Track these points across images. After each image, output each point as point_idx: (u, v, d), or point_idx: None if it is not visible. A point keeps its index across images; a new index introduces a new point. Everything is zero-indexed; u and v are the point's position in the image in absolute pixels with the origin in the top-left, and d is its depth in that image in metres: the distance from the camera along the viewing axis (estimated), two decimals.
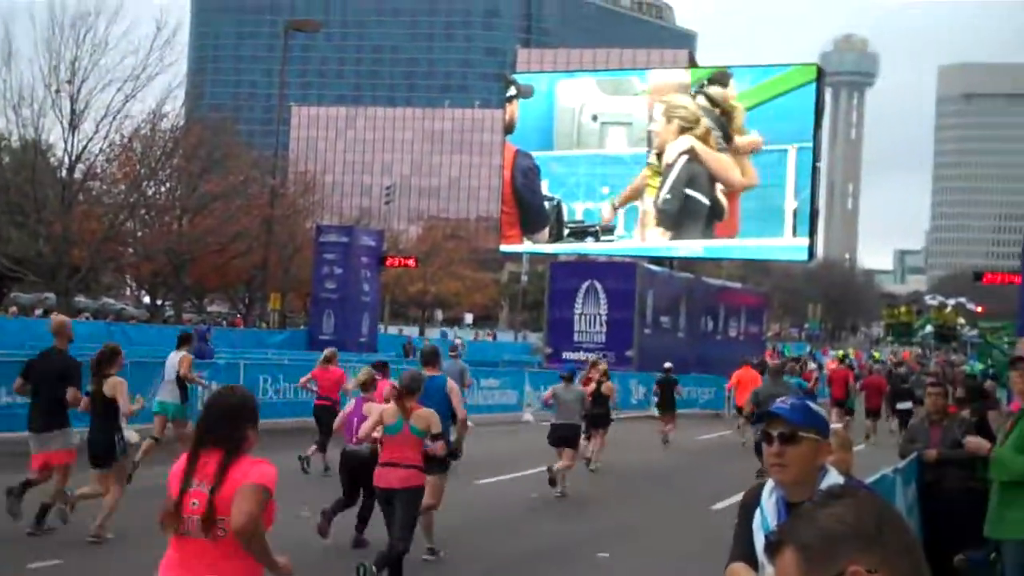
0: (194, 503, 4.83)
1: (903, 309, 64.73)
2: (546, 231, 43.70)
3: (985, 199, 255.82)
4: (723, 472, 19.26)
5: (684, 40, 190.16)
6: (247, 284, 58.80)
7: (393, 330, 72.71)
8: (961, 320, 67.75)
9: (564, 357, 38.50)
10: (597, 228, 43.19)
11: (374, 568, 9.16)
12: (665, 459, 21.18)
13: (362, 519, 11.29)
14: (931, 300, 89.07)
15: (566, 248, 44.95)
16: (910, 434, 10.57)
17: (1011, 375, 7.64)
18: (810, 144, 40.36)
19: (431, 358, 11.73)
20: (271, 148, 52.24)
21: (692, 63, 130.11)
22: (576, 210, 43.57)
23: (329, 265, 37.87)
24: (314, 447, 16.46)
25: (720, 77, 41.92)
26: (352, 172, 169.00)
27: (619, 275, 40.42)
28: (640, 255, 42.46)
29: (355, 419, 11.23)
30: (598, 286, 39.43)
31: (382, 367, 14.25)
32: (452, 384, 11.57)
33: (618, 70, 49.08)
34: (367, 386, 12.01)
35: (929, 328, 67.49)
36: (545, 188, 43.79)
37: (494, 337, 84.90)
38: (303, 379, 17.81)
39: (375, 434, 9.53)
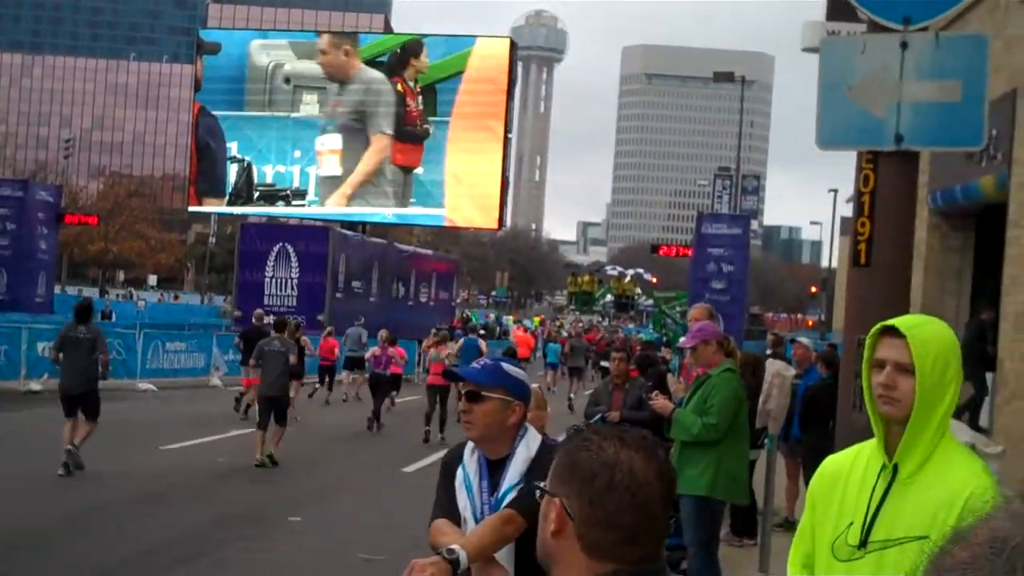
0: None
1: (585, 278, 67.22)
2: (228, 192, 42.83)
3: (662, 175, 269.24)
4: (413, 436, 19.50)
5: (379, 5, 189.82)
6: None
7: (72, 291, 69.31)
8: (638, 290, 71.15)
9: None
10: (288, 192, 42.68)
11: None
12: (356, 423, 21.21)
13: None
14: (611, 271, 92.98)
15: (256, 210, 44.19)
16: (594, 397, 11.07)
17: (699, 349, 8.10)
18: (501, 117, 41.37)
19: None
20: None
21: (388, 29, 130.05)
22: (267, 173, 42.87)
23: (2, 220, 35.61)
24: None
25: (413, 46, 42.21)
26: (27, 123, 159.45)
27: (312, 238, 40.04)
28: (332, 219, 42.26)
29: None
30: (290, 249, 38.91)
31: None
32: None
33: (313, 32, 48.61)
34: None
35: (609, 297, 70.52)
36: (235, 149, 42.84)
37: (176, 298, 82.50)
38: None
39: None
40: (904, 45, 5.28)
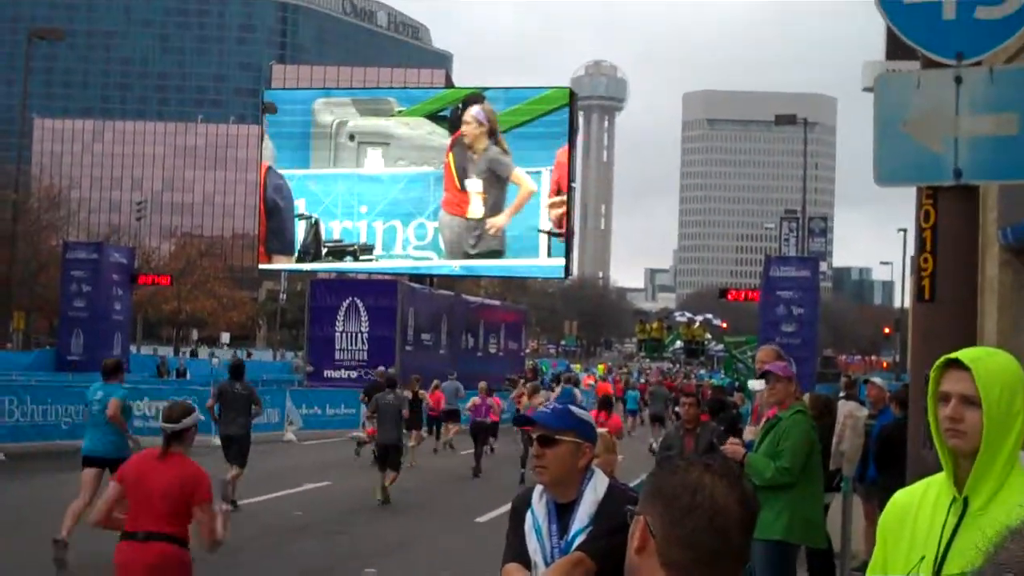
0: None
1: (654, 325, 66.94)
2: (296, 250, 43.37)
3: (727, 220, 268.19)
4: (484, 486, 19.52)
5: (440, 60, 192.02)
6: None
7: (147, 350, 70.38)
8: (708, 335, 70.71)
9: (326, 375, 38.21)
10: (355, 247, 43.12)
11: None
12: (425, 475, 21.30)
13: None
14: (680, 316, 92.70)
15: (325, 266, 44.68)
16: (666, 441, 11.05)
17: (763, 387, 8.08)
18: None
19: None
20: (11, 163, 49.90)
21: (449, 83, 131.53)
22: (334, 229, 43.37)
23: (77, 283, 36.38)
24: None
25: (475, 98, 42.64)
26: (100, 188, 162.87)
27: (380, 292, 40.46)
28: (399, 273, 42.63)
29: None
30: (359, 303, 39.31)
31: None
32: None
33: (375, 89, 49.06)
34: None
35: (679, 343, 70.17)
36: (303, 207, 43.40)
37: (249, 355, 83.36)
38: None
39: None
40: (958, 80, 5.31)
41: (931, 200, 5.45)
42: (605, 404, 20.44)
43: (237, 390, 16.23)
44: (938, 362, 3.04)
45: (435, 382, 29.08)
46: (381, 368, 27.61)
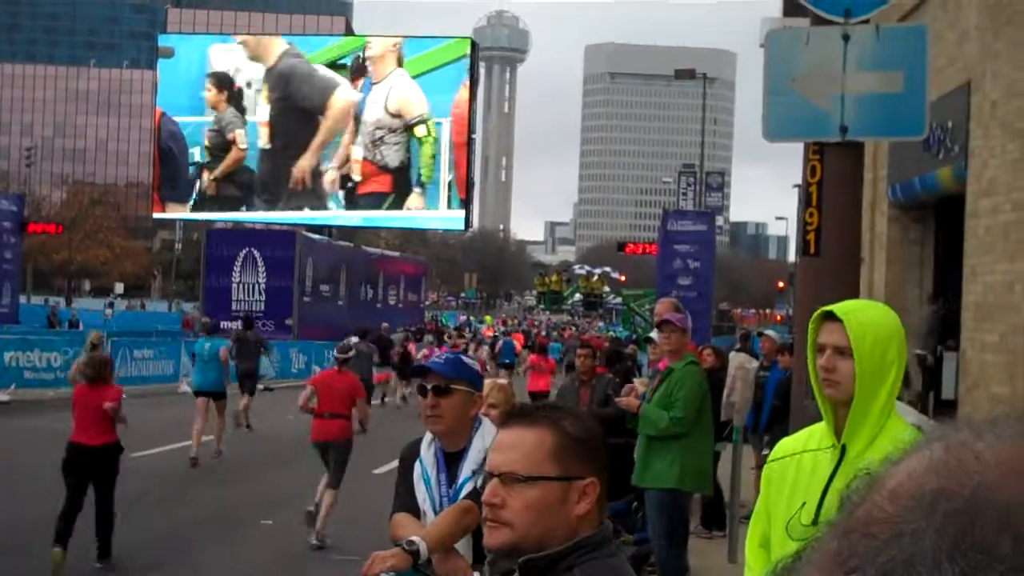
0: None
1: (554, 278, 67.35)
2: (192, 198, 42.73)
3: (627, 173, 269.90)
4: (383, 438, 19.52)
5: (340, 7, 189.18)
6: None
7: (37, 300, 68.81)
8: (606, 288, 71.33)
9: (222, 326, 37.75)
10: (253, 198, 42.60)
11: None
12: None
13: None
14: (579, 269, 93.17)
15: (221, 216, 44.07)
16: (561, 393, 11.16)
17: (658, 336, 8.19)
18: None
19: None
20: None
21: (349, 31, 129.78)
22: None
23: None
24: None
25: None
26: None
27: (278, 243, 40.00)
28: (297, 223, 42.23)
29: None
30: (256, 254, 38.84)
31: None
32: None
33: (274, 36, 48.00)
34: None
35: (578, 296, 70.72)
36: (198, 155, 42.71)
37: (143, 306, 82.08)
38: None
39: None
40: (846, 37, 5.39)
41: (817, 156, 5.55)
42: (543, 349, 24.95)
43: (249, 337, 20.95)
44: (815, 315, 3.13)
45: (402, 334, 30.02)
46: (385, 324, 28.84)
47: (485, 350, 31.44)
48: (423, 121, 40.87)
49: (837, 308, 3.06)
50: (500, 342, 35.70)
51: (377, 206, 41.91)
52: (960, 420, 0.68)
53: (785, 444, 3.31)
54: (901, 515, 0.63)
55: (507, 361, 34.13)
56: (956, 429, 0.67)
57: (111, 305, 66.09)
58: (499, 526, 2.31)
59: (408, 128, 41.11)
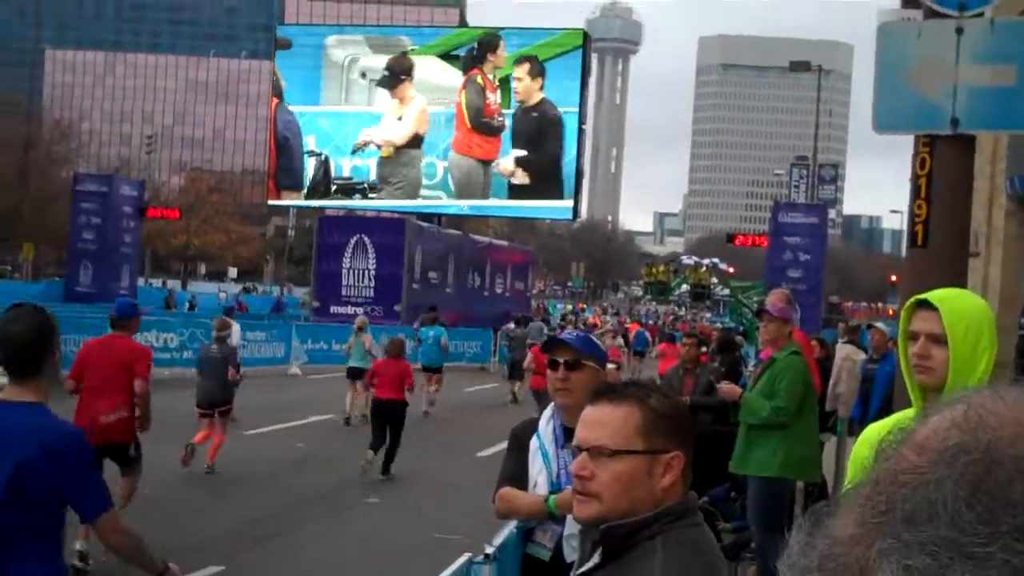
0: None
1: (661, 268, 67.09)
2: (305, 186, 43.45)
3: (738, 165, 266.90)
4: (488, 423, 19.74)
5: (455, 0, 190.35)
6: None
7: (156, 283, 70.69)
8: (714, 280, 70.80)
9: (332, 311, 38.43)
10: (365, 184, 43.15)
11: None
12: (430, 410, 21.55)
13: None
14: (687, 260, 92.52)
15: (333, 203, 44.75)
16: (666, 382, 11.19)
17: (760, 326, 8.21)
18: (576, 108, 41.44)
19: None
20: (24, 94, 49.83)
21: (462, 23, 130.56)
22: (343, 166, 43.39)
23: (87, 215, 36.55)
24: None
25: (491, 39, 42.44)
26: (111, 121, 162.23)
27: (388, 230, 40.51)
28: (407, 211, 42.71)
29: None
30: (367, 241, 39.38)
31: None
32: None
33: (388, 27, 48.04)
34: None
35: (685, 287, 70.30)
36: (312, 143, 43.40)
37: (247, 290, 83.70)
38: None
39: None
40: (959, 31, 5.38)
41: (928, 148, 5.54)
42: (671, 338, 26.69)
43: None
44: (908, 303, 3.17)
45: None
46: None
47: (620, 339, 33.11)
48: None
49: (932, 296, 3.10)
50: (633, 334, 39.64)
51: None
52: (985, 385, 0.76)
53: (873, 429, 3.35)
54: (925, 466, 0.70)
55: (639, 349, 37.72)
56: (979, 392, 0.75)
57: (220, 289, 67.50)
58: (588, 498, 2.43)
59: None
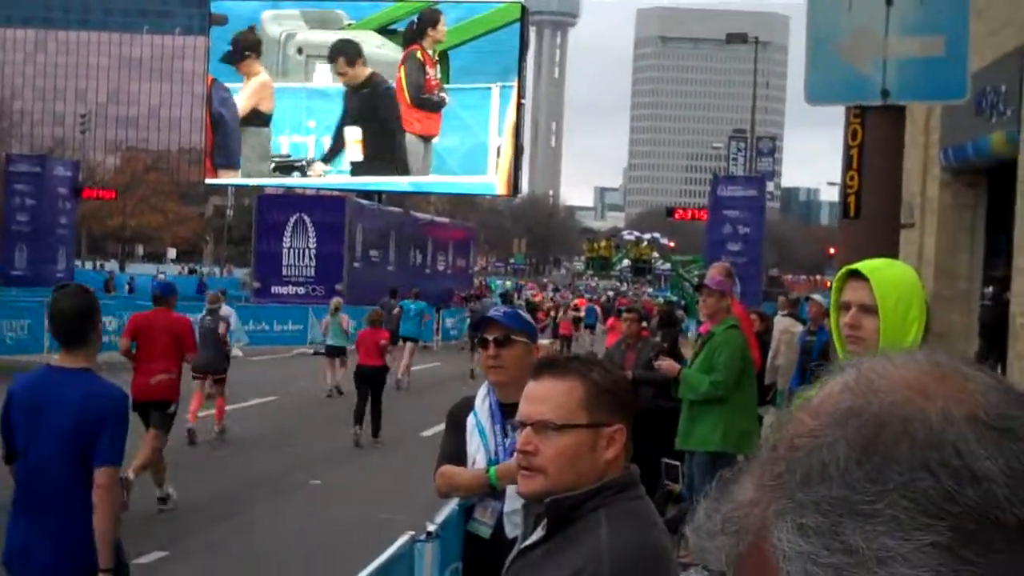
0: None
1: (602, 244, 67.32)
2: (242, 164, 43.03)
3: (678, 139, 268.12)
4: (431, 403, 19.70)
5: None
6: None
7: (91, 266, 69.81)
8: (655, 254, 71.24)
9: (273, 291, 38.17)
10: (303, 162, 42.79)
11: None
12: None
13: None
14: (628, 235, 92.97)
15: (272, 181, 44.36)
16: (608, 356, 11.22)
17: (699, 300, 8.26)
18: (514, 83, 41.33)
19: None
20: None
21: None
22: (282, 144, 42.97)
23: (21, 196, 35.99)
24: None
25: (431, 14, 42.15)
26: (44, 99, 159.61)
27: (328, 208, 40.24)
28: (347, 189, 42.41)
29: None
30: (307, 219, 39.12)
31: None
32: None
33: (324, 1, 47.45)
34: None
35: (626, 262, 70.65)
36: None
37: (192, 272, 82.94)
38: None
39: None
40: (889, 2, 5.41)
41: (859, 119, 5.58)
42: (619, 313, 25.63)
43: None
44: (839, 273, 3.19)
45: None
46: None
47: (571, 315, 36.62)
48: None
49: (862, 266, 3.12)
50: (584, 308, 41.80)
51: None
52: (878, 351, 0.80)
53: (803, 398, 3.37)
54: (819, 429, 0.75)
55: (590, 323, 39.95)
56: (870, 359, 0.79)
57: (159, 271, 66.82)
58: (533, 473, 2.44)
59: None
